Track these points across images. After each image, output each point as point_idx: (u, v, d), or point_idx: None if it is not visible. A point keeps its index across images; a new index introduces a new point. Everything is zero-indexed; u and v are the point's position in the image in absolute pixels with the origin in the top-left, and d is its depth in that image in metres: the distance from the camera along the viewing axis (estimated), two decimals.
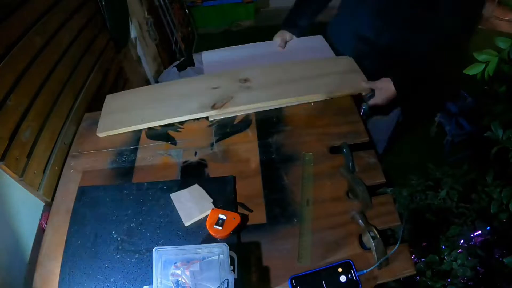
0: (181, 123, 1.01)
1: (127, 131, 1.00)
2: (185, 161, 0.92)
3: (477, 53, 0.67)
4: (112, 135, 1.00)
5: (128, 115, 1.03)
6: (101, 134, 1.00)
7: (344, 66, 1.11)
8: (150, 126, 1.00)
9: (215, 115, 1.00)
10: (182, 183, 0.84)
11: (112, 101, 1.09)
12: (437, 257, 0.91)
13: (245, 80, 1.08)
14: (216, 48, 1.35)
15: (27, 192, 0.86)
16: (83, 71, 1.19)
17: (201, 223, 0.77)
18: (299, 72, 1.10)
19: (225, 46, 1.35)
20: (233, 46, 1.34)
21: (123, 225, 0.78)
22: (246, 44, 1.34)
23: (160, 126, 1.01)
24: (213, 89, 1.06)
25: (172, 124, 1.01)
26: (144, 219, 0.79)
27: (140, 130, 1.01)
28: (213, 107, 0.99)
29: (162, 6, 2.31)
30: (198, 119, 1.01)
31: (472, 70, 0.68)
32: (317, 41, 1.31)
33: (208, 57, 1.31)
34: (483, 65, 0.66)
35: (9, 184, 0.82)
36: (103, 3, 1.36)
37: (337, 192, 0.82)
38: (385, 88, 1.02)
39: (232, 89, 1.05)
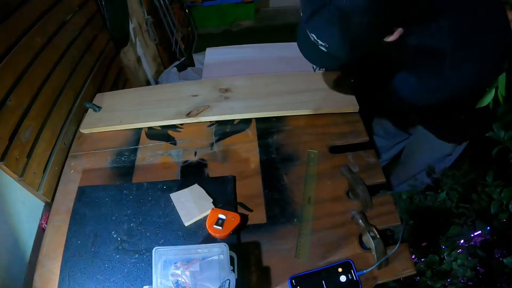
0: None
1: (107, 130, 1.01)
2: (185, 161, 0.92)
3: None
4: (101, 131, 1.02)
5: (110, 115, 1.04)
6: (84, 130, 1.02)
7: (334, 82, 1.07)
8: (127, 128, 1.02)
9: (188, 122, 1.01)
10: (182, 183, 0.84)
11: (100, 100, 1.11)
12: (437, 257, 0.90)
13: (226, 90, 1.08)
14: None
15: (27, 192, 0.86)
16: (83, 71, 1.19)
17: (201, 223, 0.77)
18: (284, 86, 1.07)
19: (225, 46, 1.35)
20: (238, 45, 1.34)
21: (123, 225, 0.78)
22: (251, 44, 1.33)
23: (160, 126, 1.01)
24: (192, 97, 1.07)
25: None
26: (144, 219, 0.79)
27: (140, 130, 1.01)
28: (188, 115, 1.00)
29: (162, 6, 2.31)
30: None
31: (485, 101, 0.68)
32: None
33: (211, 54, 1.31)
34: (493, 91, 0.66)
35: (9, 184, 0.82)
36: (103, 3, 1.35)
37: (337, 191, 0.82)
38: None
39: (211, 98, 1.06)
